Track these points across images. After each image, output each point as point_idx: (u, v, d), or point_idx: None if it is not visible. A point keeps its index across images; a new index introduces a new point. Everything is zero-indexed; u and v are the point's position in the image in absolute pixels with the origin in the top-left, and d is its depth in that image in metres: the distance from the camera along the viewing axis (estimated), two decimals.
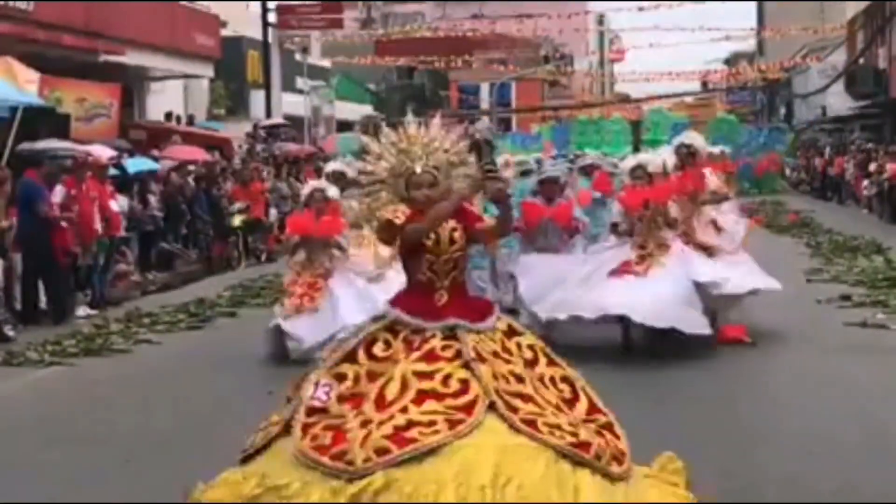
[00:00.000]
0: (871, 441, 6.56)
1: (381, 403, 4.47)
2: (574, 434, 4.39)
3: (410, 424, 4.35)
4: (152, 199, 16.39)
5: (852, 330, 10.35)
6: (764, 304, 11.68)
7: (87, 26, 19.42)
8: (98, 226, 13.17)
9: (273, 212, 19.77)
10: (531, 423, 4.37)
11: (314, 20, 31.61)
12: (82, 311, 12.63)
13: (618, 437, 4.59)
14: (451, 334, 4.67)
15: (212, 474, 4.68)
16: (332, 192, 9.87)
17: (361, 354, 4.70)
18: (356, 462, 4.27)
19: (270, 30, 30.03)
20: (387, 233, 4.81)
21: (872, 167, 26.98)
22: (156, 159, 18.42)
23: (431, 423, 4.36)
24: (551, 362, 4.79)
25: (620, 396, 7.85)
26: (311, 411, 4.55)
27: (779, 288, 10.10)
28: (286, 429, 4.55)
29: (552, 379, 4.70)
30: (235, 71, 29.67)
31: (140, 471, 6.29)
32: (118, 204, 14.29)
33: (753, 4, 57.55)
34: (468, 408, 4.43)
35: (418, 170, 4.83)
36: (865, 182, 27.41)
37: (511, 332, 4.83)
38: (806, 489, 5.61)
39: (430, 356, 4.62)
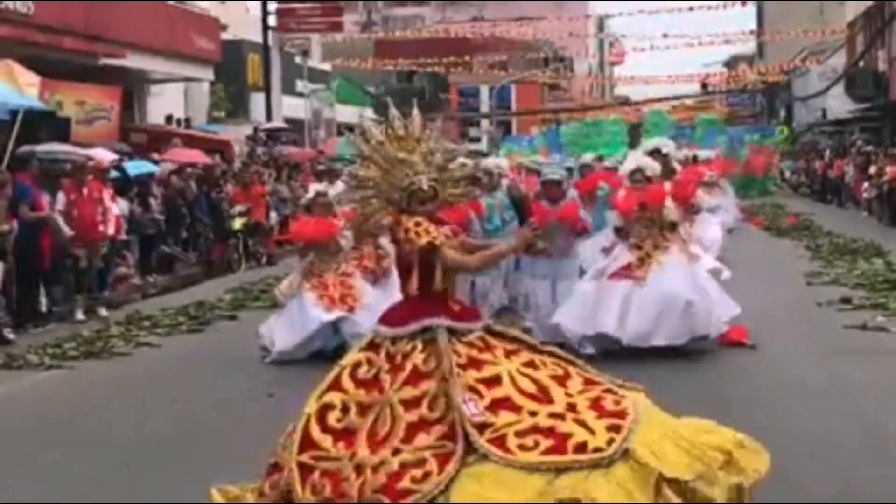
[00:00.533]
0: (871, 444, 6.56)
1: (373, 442, 4.43)
2: (550, 429, 4.34)
3: (403, 468, 4.32)
4: (153, 203, 16.40)
5: (852, 333, 10.35)
6: (765, 307, 11.71)
7: (87, 29, 19.43)
8: (102, 228, 13.18)
9: (273, 215, 19.79)
10: (499, 442, 4.32)
11: (314, 23, 31.63)
12: (80, 314, 12.61)
13: (617, 395, 4.59)
14: (429, 339, 4.65)
15: (211, 477, 4.69)
16: (333, 194, 9.89)
17: (347, 380, 4.67)
18: None
19: (270, 33, 30.06)
20: (426, 252, 4.73)
21: (872, 170, 26.98)
22: (156, 162, 18.43)
23: (421, 464, 4.32)
24: (537, 349, 4.80)
25: None
26: (305, 446, 4.52)
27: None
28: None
29: (542, 361, 4.69)
30: (235, 74, 29.71)
31: (140, 473, 6.29)
32: (119, 207, 14.30)
33: (753, 7, 57.51)
34: (452, 433, 4.39)
35: (425, 186, 4.79)
36: (865, 185, 27.41)
37: (493, 332, 4.84)
38: (805, 492, 5.62)
39: (415, 377, 4.59)
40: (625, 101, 58.78)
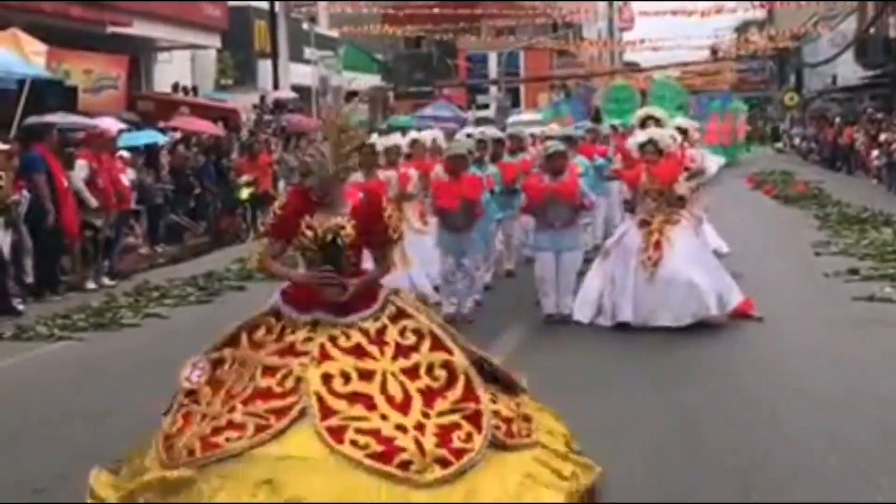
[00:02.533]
0: (879, 418, 6.57)
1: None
2: (390, 439, 4.42)
3: (229, 425, 4.49)
4: (161, 173, 16.41)
5: (860, 304, 10.34)
6: (772, 278, 11.72)
7: None
8: (113, 198, 13.22)
9: (281, 184, 19.76)
10: (338, 431, 4.42)
11: None
12: (92, 283, 12.68)
13: (479, 431, 4.57)
14: (314, 327, 4.77)
15: None
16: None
17: (244, 338, 4.86)
18: (174, 456, 4.49)
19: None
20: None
21: (882, 137, 26.86)
22: (163, 131, 18.42)
23: (242, 427, 4.46)
24: (436, 347, 4.80)
25: (626, 372, 7.94)
26: (187, 393, 4.79)
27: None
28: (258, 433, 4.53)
29: (429, 366, 4.71)
30: (242, 41, 29.56)
31: None
32: (127, 177, 14.32)
33: None
34: (281, 412, 4.51)
35: (330, 171, 4.89)
36: (875, 152, 27.30)
37: (399, 316, 4.86)
38: (812, 467, 5.64)
39: (287, 350, 4.73)
40: (635, 67, 58.44)
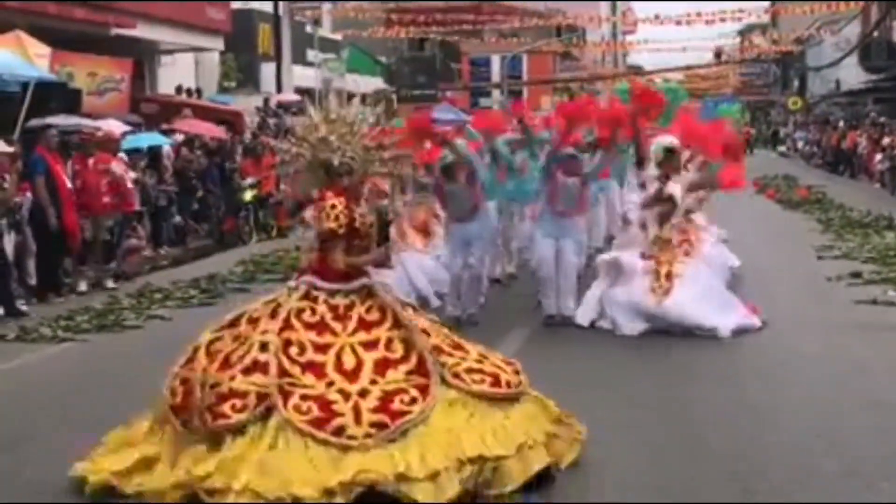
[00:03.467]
0: (879, 420, 6.57)
1: (345, 373, 5.00)
2: (330, 403, 4.93)
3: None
4: (165, 175, 16.42)
5: (862, 308, 10.35)
6: (775, 282, 11.72)
7: None
8: (108, 199, 13.16)
9: (284, 186, 19.77)
10: (285, 395, 4.95)
11: None
12: (83, 286, 12.66)
13: (425, 398, 5.03)
14: (368, 294, 5.35)
15: None
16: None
17: (294, 321, 5.24)
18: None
19: (281, 2, 29.92)
20: (329, 237, 5.42)
21: (886, 141, 26.86)
22: (167, 133, 18.44)
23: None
24: (397, 325, 5.27)
25: (628, 375, 7.94)
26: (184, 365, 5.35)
27: None
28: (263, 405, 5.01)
29: (388, 340, 5.19)
30: (246, 44, 29.59)
31: None
32: (130, 179, 14.33)
33: None
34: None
35: (336, 162, 5.44)
36: (878, 156, 27.30)
37: (368, 295, 5.39)
38: (812, 471, 5.64)
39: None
40: (638, 71, 58.46)
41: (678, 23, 34.50)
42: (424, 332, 5.27)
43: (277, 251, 15.74)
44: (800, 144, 46.03)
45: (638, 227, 10.08)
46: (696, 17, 36.25)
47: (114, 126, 15.61)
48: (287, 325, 5.16)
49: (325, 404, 4.88)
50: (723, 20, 35.06)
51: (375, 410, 4.86)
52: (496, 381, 5.21)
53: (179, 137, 18.55)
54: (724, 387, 7.56)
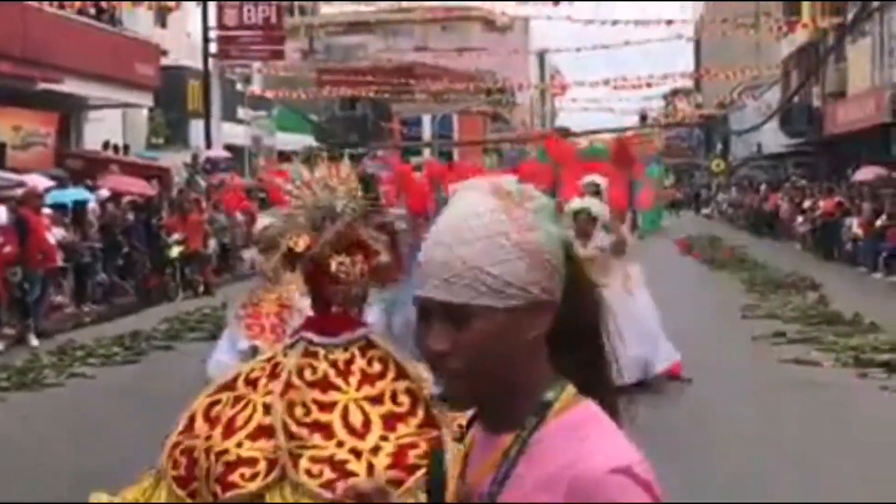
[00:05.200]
0: (804, 479, 6.64)
1: (354, 432, 4.76)
2: (342, 463, 4.68)
3: (401, 449, 4.72)
4: (89, 231, 16.18)
5: (786, 366, 10.50)
6: (701, 339, 11.84)
7: (24, 54, 19.18)
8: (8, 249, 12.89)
9: (212, 243, 19.62)
10: (294, 459, 4.68)
11: (255, 50, 31.52)
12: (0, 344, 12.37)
13: (440, 447, 4.74)
14: (367, 345, 5.04)
15: None
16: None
17: (240, 381, 5.03)
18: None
19: (211, 60, 29.91)
20: (287, 259, 5.20)
21: (807, 204, 27.49)
22: (92, 189, 18.21)
23: (415, 445, 4.73)
24: (400, 376, 5.02)
25: None
26: (182, 432, 4.89)
27: None
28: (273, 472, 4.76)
29: (393, 392, 4.93)
30: (175, 100, 29.47)
31: None
32: (54, 235, 14.10)
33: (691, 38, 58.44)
34: (431, 421, 4.80)
35: (339, 208, 5.20)
36: (800, 218, 27.90)
37: (368, 346, 5.10)
38: None
39: (367, 378, 4.95)
40: (566, 132, 59.27)
41: (606, 81, 35.10)
42: (328, 405, 4.96)
43: (203, 308, 15.55)
44: (723, 206, 46.91)
45: None
46: (622, 82, 36.95)
47: (38, 181, 15.39)
48: (289, 386, 4.92)
49: (337, 465, 4.67)
50: (649, 85, 35.74)
51: (390, 467, 4.66)
52: (336, 482, 4.79)
53: (105, 193, 18.33)
54: (651, 444, 7.56)
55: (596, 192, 10.35)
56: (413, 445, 4.76)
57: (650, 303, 10.63)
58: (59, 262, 14.44)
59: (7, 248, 12.84)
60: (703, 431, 8.00)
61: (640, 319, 9.70)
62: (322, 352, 5.05)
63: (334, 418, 4.80)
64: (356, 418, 4.81)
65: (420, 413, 4.90)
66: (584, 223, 9.70)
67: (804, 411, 8.61)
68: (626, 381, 8.66)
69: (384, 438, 4.77)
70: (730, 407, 8.78)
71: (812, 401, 9.03)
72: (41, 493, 6.54)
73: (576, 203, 10.00)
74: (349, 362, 5.01)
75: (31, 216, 13.28)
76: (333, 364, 4.99)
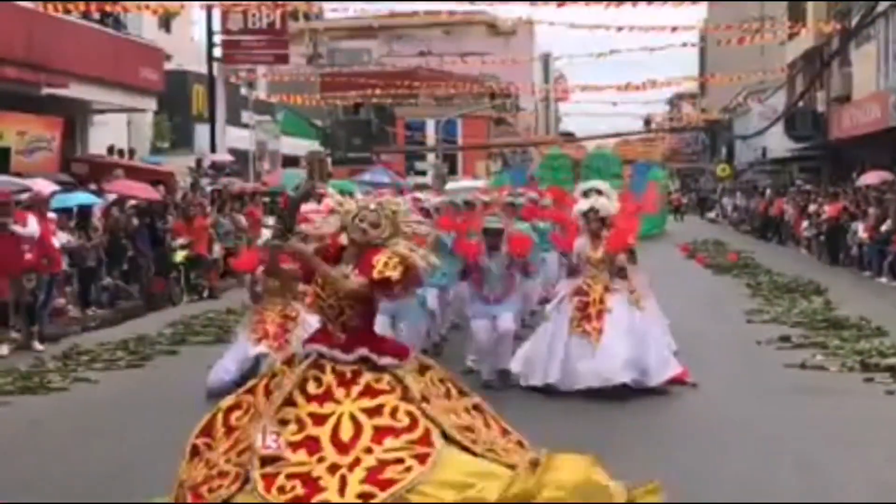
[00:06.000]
0: (810, 484, 6.62)
1: (340, 446, 4.73)
2: (316, 479, 4.68)
3: (381, 464, 4.66)
4: (94, 235, 16.18)
5: (791, 371, 10.47)
6: (706, 345, 11.82)
7: (29, 58, 19.17)
8: (31, 257, 12.89)
9: (216, 247, 19.61)
10: (270, 478, 4.69)
11: (260, 55, 31.52)
12: (4, 349, 12.36)
13: (423, 464, 4.76)
14: (378, 367, 5.02)
15: None
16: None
17: (298, 396, 4.96)
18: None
19: (216, 64, 29.94)
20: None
21: (812, 209, 27.45)
22: (98, 193, 18.21)
23: (399, 461, 4.67)
24: (462, 393, 5.16)
25: (558, 440, 7.88)
26: (265, 461, 4.76)
27: None
28: (243, 484, 4.74)
29: (394, 409, 4.93)
30: (180, 104, 29.50)
31: None
32: (59, 239, 14.10)
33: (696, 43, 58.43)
34: (425, 439, 4.76)
35: (372, 207, 5.22)
36: (805, 223, 27.86)
37: (424, 368, 5.16)
38: None
39: (370, 390, 4.94)
40: (570, 137, 59.30)
41: (610, 87, 35.06)
42: (321, 417, 4.92)
43: (208, 313, 15.55)
44: (728, 211, 46.87)
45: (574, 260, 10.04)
46: (627, 87, 36.89)
47: (43, 185, 15.39)
48: (288, 402, 4.94)
49: (309, 481, 4.66)
50: (654, 85, 35.65)
51: (364, 481, 4.63)
52: (306, 497, 4.75)
53: (110, 197, 18.33)
54: (656, 449, 7.56)
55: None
56: (397, 461, 4.69)
57: (657, 313, 10.63)
58: (64, 267, 14.43)
59: (28, 256, 12.85)
60: (707, 436, 7.98)
61: (646, 329, 9.69)
62: (329, 365, 5.03)
63: (325, 431, 4.79)
64: (347, 430, 4.79)
65: (418, 431, 4.82)
66: (594, 223, 9.71)
67: (809, 416, 8.58)
68: (619, 380, 8.72)
69: (368, 451, 4.72)
70: (735, 411, 8.76)
71: (817, 405, 9.01)
72: (46, 498, 6.53)
73: (583, 204, 10.00)
74: (357, 374, 4.99)
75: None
76: (340, 375, 4.98)
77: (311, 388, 4.95)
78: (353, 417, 4.83)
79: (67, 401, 9.90)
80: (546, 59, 64.04)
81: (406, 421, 4.86)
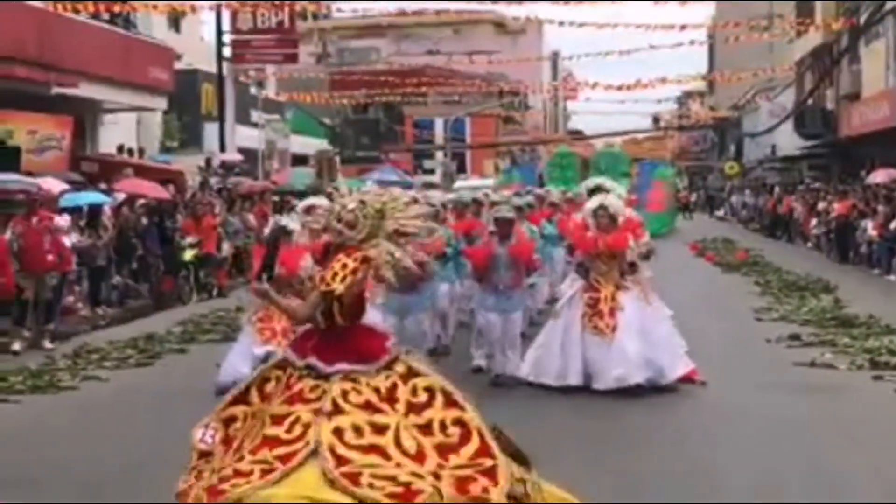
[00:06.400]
0: (818, 482, 6.62)
1: (411, 456, 4.66)
2: (406, 484, 4.49)
3: (236, 474, 4.58)
4: (104, 234, 16.22)
5: (801, 369, 10.46)
6: (715, 343, 11.82)
7: (40, 58, 19.23)
8: (51, 258, 13.01)
9: (225, 246, 19.64)
10: (353, 476, 4.51)
11: (269, 54, 31.57)
12: (17, 346, 12.43)
13: (496, 484, 4.65)
14: (321, 376, 4.88)
15: None
16: (294, 226, 9.74)
17: (254, 394, 4.96)
18: None
19: (225, 63, 29.99)
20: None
21: (821, 206, 27.39)
22: (108, 192, 18.26)
23: (249, 473, 4.57)
24: (449, 404, 4.87)
25: (571, 437, 7.92)
26: (201, 454, 4.86)
27: None
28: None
29: (442, 423, 4.79)
30: (189, 103, 29.54)
31: None
32: (69, 238, 14.15)
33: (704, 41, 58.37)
34: (287, 457, 4.61)
35: (350, 206, 5.09)
36: (814, 221, 27.81)
37: (410, 375, 4.94)
38: None
39: (294, 398, 4.82)
40: (579, 135, 59.27)
41: (619, 87, 34.95)
42: (381, 427, 4.80)
43: (217, 311, 15.58)
44: (737, 209, 46.78)
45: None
46: (635, 84, 36.81)
47: (53, 184, 15.44)
48: (337, 409, 4.77)
49: (401, 483, 4.52)
50: (664, 82, 35.55)
51: (206, 489, 4.59)
52: (404, 495, 4.62)
53: (120, 196, 18.38)
54: (667, 447, 7.57)
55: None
56: (471, 480, 4.60)
57: (663, 308, 10.63)
58: (74, 266, 14.48)
59: (50, 257, 12.96)
60: (716, 434, 7.98)
61: (656, 326, 9.72)
62: (364, 379, 4.89)
63: (388, 442, 4.65)
64: (409, 444, 4.66)
65: (473, 443, 4.74)
66: (603, 220, 9.72)
67: (818, 414, 8.58)
68: (635, 380, 8.76)
69: (441, 467, 4.62)
70: (744, 410, 8.76)
71: (826, 403, 9.00)
72: (55, 495, 6.56)
73: (593, 201, 10.02)
74: (392, 390, 4.86)
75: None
76: (376, 391, 4.85)
77: (353, 397, 4.85)
78: (410, 433, 4.75)
79: (77, 399, 9.94)
80: (555, 58, 63.93)
81: (457, 434, 4.79)
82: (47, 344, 12.70)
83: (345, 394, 4.79)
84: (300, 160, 36.94)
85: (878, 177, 25.93)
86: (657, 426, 8.28)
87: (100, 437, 8.24)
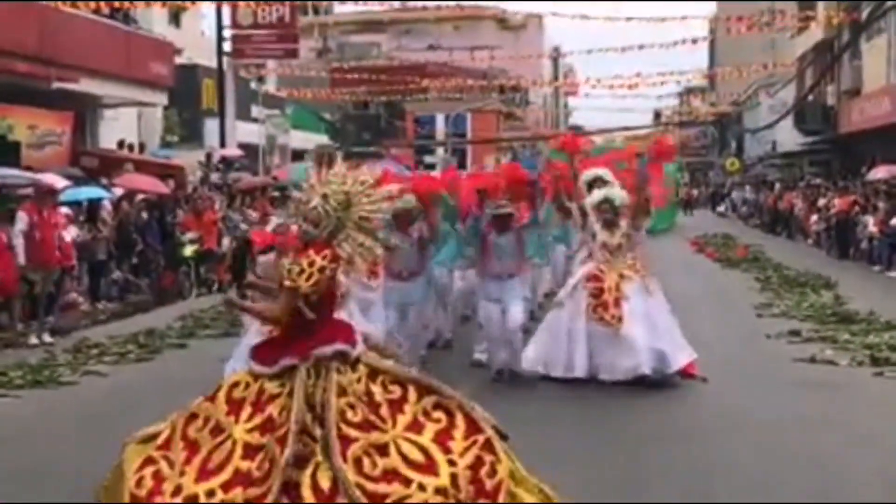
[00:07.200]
0: (819, 479, 6.61)
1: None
2: None
3: (474, 477, 4.67)
4: (104, 228, 16.23)
5: (801, 365, 10.46)
6: (715, 338, 11.81)
7: (40, 53, 19.23)
8: (58, 253, 13.06)
9: (226, 241, 19.63)
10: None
11: (270, 49, 31.56)
12: (34, 339, 12.47)
13: (496, 456, 4.76)
14: (373, 372, 4.91)
15: None
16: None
17: (221, 396, 4.98)
18: None
19: (225, 58, 29.98)
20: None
21: (821, 203, 27.38)
22: (108, 187, 18.26)
23: (480, 464, 4.70)
24: (422, 392, 4.91)
25: (574, 433, 7.92)
26: (159, 446, 4.95)
27: None
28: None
29: (425, 412, 4.85)
30: (190, 99, 29.56)
31: None
32: (69, 233, 14.15)
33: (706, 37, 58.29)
34: (474, 426, 4.79)
35: (312, 204, 5.07)
36: (814, 217, 27.79)
37: (375, 373, 4.94)
38: None
39: (266, 425, 4.79)
40: (578, 131, 59.19)
41: (620, 85, 34.97)
42: (382, 447, 4.80)
43: (217, 307, 15.57)
44: (738, 204, 46.76)
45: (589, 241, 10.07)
46: (636, 79, 36.79)
47: (53, 179, 15.43)
48: (346, 441, 4.76)
49: (158, 483, 4.71)
50: (663, 83, 35.59)
51: (476, 495, 4.65)
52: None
53: (120, 191, 18.38)
54: (669, 443, 7.56)
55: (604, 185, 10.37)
56: (479, 463, 4.71)
57: (663, 297, 10.63)
58: (74, 261, 14.48)
59: (57, 252, 13.02)
60: (716, 430, 7.98)
61: (659, 315, 9.73)
62: (345, 379, 4.87)
63: (397, 463, 4.67)
64: (415, 455, 4.69)
65: (460, 421, 4.82)
66: (608, 213, 9.73)
67: (819, 410, 8.57)
68: (644, 370, 8.78)
69: (451, 463, 4.68)
70: (744, 406, 8.75)
71: (827, 400, 8.99)
72: (55, 491, 6.56)
73: (597, 194, 10.03)
74: (370, 394, 4.85)
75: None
76: (367, 400, 4.84)
77: (237, 391, 4.96)
78: (407, 440, 4.82)
79: (77, 394, 9.94)
80: (556, 54, 63.89)
81: (444, 418, 4.89)
82: (46, 338, 12.70)
83: (343, 413, 4.76)
84: (300, 156, 36.96)
85: (879, 173, 25.91)
86: (656, 422, 8.27)
87: (100, 432, 8.23)
